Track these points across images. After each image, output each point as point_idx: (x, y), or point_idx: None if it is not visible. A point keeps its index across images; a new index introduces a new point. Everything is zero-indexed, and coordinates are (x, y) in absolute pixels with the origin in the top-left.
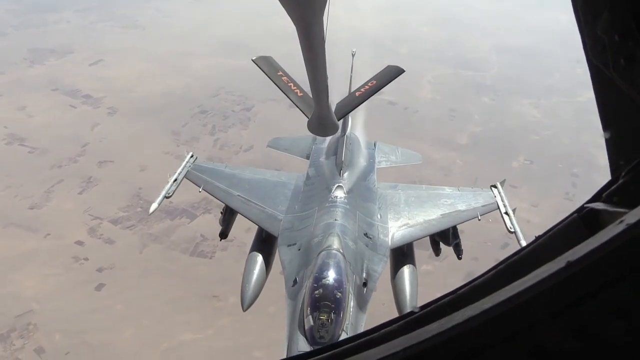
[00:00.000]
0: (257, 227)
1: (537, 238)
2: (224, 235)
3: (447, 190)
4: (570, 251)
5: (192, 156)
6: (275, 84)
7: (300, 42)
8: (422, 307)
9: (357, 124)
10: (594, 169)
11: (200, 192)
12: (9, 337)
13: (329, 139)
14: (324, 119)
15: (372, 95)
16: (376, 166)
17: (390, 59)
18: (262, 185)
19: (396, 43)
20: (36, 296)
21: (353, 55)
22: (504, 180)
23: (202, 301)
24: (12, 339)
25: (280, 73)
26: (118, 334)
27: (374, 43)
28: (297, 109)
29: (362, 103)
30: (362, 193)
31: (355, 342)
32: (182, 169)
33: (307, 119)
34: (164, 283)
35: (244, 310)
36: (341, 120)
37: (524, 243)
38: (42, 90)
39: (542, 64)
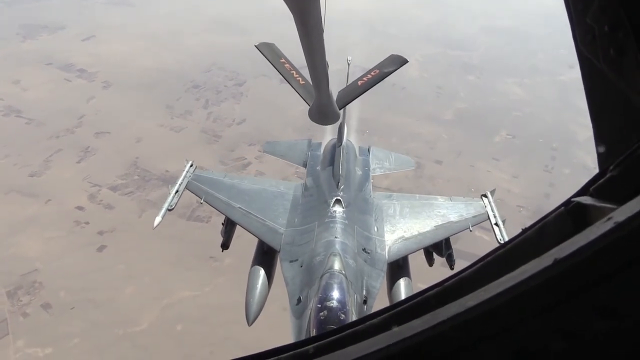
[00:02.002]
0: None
1: (524, 231)
2: (225, 246)
3: (440, 200)
4: (557, 248)
5: (191, 165)
6: (278, 71)
7: (297, 28)
8: (409, 299)
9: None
10: (572, 144)
11: (201, 203)
12: (15, 294)
13: (324, 145)
14: (325, 107)
15: (374, 85)
16: (371, 174)
17: (380, 39)
18: (262, 197)
19: (386, 24)
20: (40, 257)
21: (349, 64)
22: (494, 190)
23: (199, 262)
24: (19, 296)
25: (283, 60)
26: (120, 291)
27: (365, 24)
28: (296, 92)
29: (364, 92)
30: (359, 205)
31: (340, 335)
32: (183, 180)
33: (308, 107)
34: (163, 245)
35: (250, 324)
36: (341, 116)
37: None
38: (36, 64)
39: (526, 45)
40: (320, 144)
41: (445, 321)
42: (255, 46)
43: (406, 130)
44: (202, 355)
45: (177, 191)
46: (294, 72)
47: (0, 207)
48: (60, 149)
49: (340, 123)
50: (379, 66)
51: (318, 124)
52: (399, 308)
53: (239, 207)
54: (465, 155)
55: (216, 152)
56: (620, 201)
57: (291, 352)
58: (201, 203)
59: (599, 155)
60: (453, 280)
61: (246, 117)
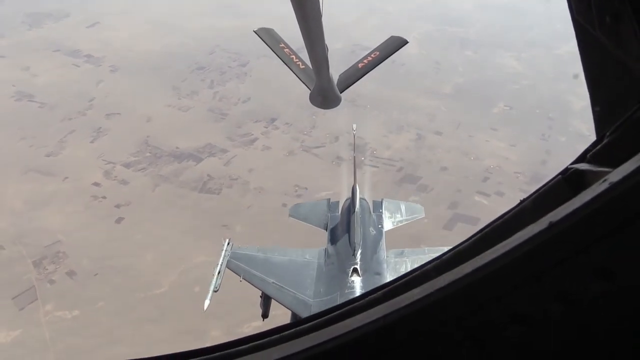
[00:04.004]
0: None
1: (522, 201)
2: (265, 315)
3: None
4: (553, 212)
5: (228, 243)
6: (277, 56)
7: (295, 14)
8: (407, 274)
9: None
10: (568, 114)
11: (241, 281)
12: (41, 263)
13: (341, 206)
14: (325, 92)
15: (375, 67)
16: (384, 231)
17: (378, 17)
18: (291, 269)
19: (384, 1)
20: (62, 229)
21: (354, 134)
22: None
23: (213, 230)
24: (44, 265)
25: (282, 45)
26: (139, 258)
27: (363, 2)
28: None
29: (364, 75)
30: (374, 268)
31: (339, 312)
32: (223, 259)
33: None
34: (178, 216)
35: None
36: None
37: None
38: (44, 51)
39: (523, 20)
40: (338, 203)
41: (442, 288)
42: (254, 31)
43: (407, 104)
44: (219, 314)
45: (219, 272)
46: (294, 57)
47: (21, 185)
48: (74, 130)
49: (353, 186)
50: (379, 48)
51: (319, 108)
52: (399, 282)
53: (273, 282)
54: (464, 126)
55: (223, 129)
56: (617, 165)
57: (292, 330)
58: (240, 281)
59: (596, 123)
60: (451, 252)
61: (251, 95)
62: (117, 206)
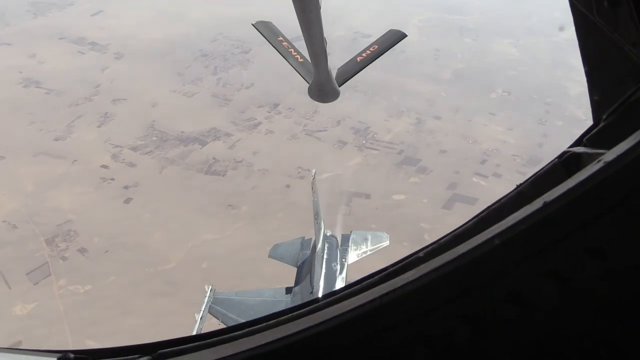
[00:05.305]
0: None
1: (519, 185)
2: None
3: None
4: (548, 193)
5: (211, 290)
6: (276, 49)
7: (294, 6)
8: (405, 258)
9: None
10: (565, 99)
11: (219, 325)
12: (53, 241)
13: (312, 245)
14: (324, 85)
15: (373, 61)
16: (347, 264)
17: (379, 5)
18: (261, 309)
19: None
20: (73, 209)
21: (313, 177)
22: None
23: (219, 209)
24: (57, 243)
25: (281, 38)
26: (148, 236)
27: None
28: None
29: (363, 68)
30: None
31: (336, 296)
32: (205, 305)
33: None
34: (184, 196)
35: None
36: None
37: None
38: (49, 39)
39: (521, 8)
40: (310, 240)
41: (436, 269)
42: (253, 25)
43: (407, 90)
44: (226, 287)
45: (201, 317)
46: (292, 50)
47: (32, 167)
48: (81, 115)
49: (317, 227)
50: (378, 41)
51: (318, 102)
52: (396, 266)
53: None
54: (463, 111)
55: (227, 114)
56: (612, 147)
57: (288, 315)
58: (219, 324)
59: (593, 107)
60: (447, 237)
61: (254, 81)
62: (126, 187)
